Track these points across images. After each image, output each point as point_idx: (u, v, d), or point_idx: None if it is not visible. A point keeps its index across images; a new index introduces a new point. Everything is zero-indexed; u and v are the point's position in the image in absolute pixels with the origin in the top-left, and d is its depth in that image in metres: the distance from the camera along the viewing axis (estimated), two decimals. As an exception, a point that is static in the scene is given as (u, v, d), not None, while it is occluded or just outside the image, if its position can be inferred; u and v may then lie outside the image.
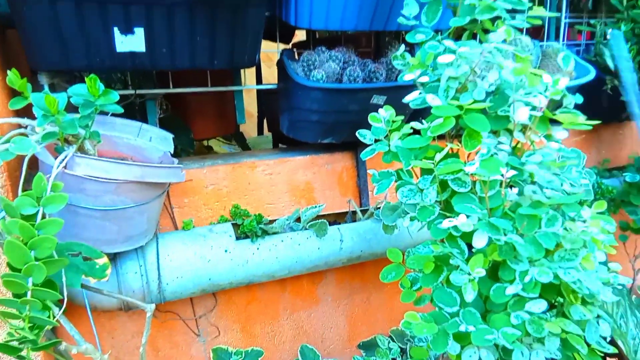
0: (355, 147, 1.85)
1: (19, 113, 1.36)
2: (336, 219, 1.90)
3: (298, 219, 1.74)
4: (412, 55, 1.31)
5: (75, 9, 1.23)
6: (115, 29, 1.30)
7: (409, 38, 1.25)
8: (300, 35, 2.60)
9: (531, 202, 1.09)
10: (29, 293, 0.95)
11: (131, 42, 1.34)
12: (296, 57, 1.77)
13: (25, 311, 0.96)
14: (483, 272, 1.03)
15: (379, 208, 1.80)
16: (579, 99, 1.17)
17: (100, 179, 1.15)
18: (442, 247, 1.11)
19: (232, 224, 1.66)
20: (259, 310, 1.83)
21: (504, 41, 1.14)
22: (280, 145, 2.59)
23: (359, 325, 2.06)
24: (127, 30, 1.31)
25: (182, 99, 2.19)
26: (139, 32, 1.33)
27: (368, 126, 1.30)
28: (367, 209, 1.87)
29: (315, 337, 1.97)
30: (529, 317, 1.03)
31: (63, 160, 1.11)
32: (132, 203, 1.23)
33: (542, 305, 1.03)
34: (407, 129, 1.22)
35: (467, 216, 1.04)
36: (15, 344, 0.98)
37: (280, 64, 1.71)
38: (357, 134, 1.32)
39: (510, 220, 1.05)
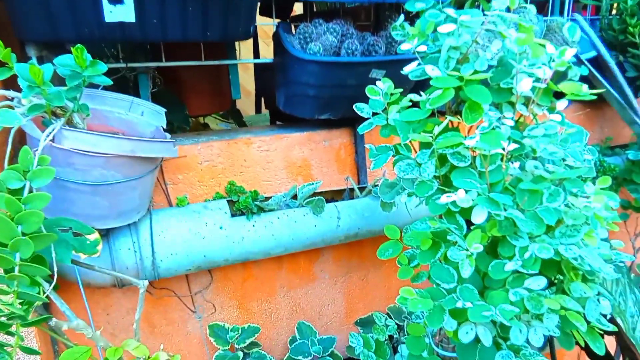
0: (353, 123, 1.82)
1: (6, 86, 1.32)
2: (333, 196, 1.88)
3: (295, 196, 1.72)
4: (413, 27, 1.26)
5: (60, -25, 1.18)
6: (104, -2, 1.25)
7: (408, 6, 1.20)
8: (298, 11, 2.53)
9: (533, 177, 1.06)
10: (17, 268, 0.93)
11: (120, 12, 1.29)
12: (293, 31, 1.72)
13: (13, 287, 0.94)
14: (481, 248, 1.00)
15: (377, 185, 1.77)
16: (584, 70, 1.13)
17: (88, 152, 1.11)
18: (440, 222, 1.09)
19: (228, 200, 1.63)
20: (256, 287, 1.82)
21: (508, 9, 1.09)
22: (277, 122, 2.55)
23: (356, 303, 2.06)
24: (116, -1, 1.27)
25: (177, 74, 2.14)
26: (129, 2, 1.28)
27: (366, 101, 1.27)
28: (365, 186, 1.85)
29: (312, 314, 1.96)
30: (528, 294, 1.01)
31: (50, 133, 1.07)
32: (123, 178, 1.20)
33: (541, 282, 1.01)
34: (405, 101, 1.18)
35: (466, 191, 1.01)
36: (4, 319, 0.96)
37: (276, 37, 1.66)
38: (354, 107, 1.28)
39: (511, 196, 1.02)
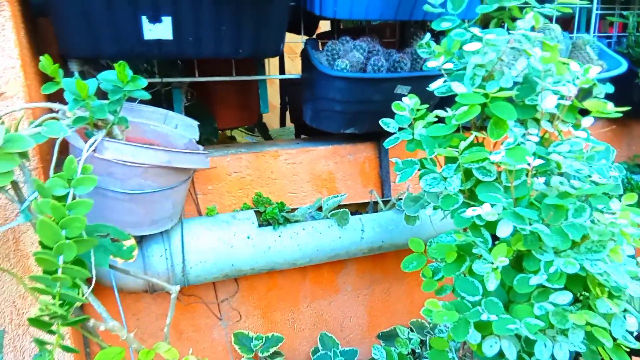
0: (377, 137, 1.85)
1: (50, 99, 1.40)
2: (358, 209, 1.90)
3: (320, 208, 1.75)
4: (438, 44, 1.29)
5: (106, -3, 1.26)
6: (144, 18, 1.33)
7: (434, 25, 1.24)
8: (323, 28, 2.59)
9: (558, 192, 1.07)
10: (60, 270, 0.98)
11: (159, 30, 1.36)
12: (320, 47, 1.77)
13: (55, 288, 1.00)
14: (506, 262, 1.01)
15: (401, 199, 1.79)
16: (609, 88, 1.14)
17: (128, 163, 1.17)
18: (465, 236, 1.10)
19: (255, 211, 1.68)
20: (280, 297, 1.85)
21: (533, 29, 1.11)
22: (302, 136, 2.60)
23: (379, 316, 2.07)
24: (155, 18, 1.34)
25: (208, 88, 2.21)
26: (167, 20, 1.35)
27: (392, 117, 1.30)
28: (389, 200, 1.87)
29: (334, 325, 1.98)
30: (553, 309, 1.01)
31: (93, 144, 1.14)
32: (159, 187, 1.26)
33: (567, 297, 1.01)
34: (431, 117, 1.21)
35: (492, 205, 1.03)
36: (46, 319, 1.01)
37: (304, 54, 1.71)
38: (380, 122, 1.32)
39: (536, 211, 1.04)
